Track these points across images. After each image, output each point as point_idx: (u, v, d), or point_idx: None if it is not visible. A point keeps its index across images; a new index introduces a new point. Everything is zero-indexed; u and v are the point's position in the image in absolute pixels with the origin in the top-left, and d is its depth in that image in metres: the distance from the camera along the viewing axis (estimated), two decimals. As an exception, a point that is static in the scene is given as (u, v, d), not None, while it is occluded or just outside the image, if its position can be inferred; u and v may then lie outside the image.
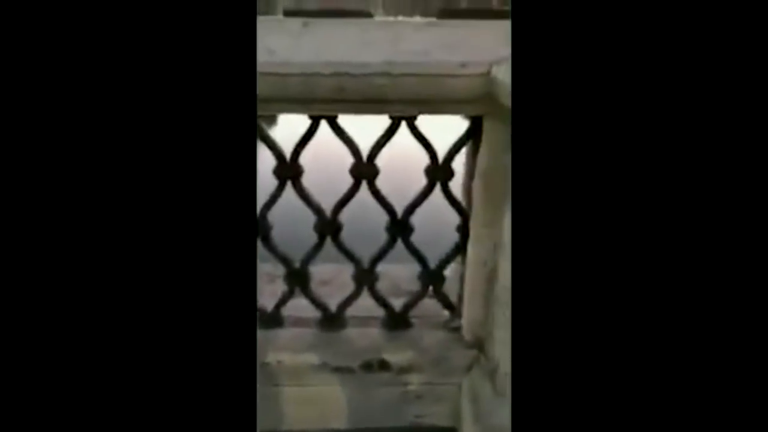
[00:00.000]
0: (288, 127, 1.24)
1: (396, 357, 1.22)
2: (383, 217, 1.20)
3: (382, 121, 1.11)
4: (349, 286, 1.34)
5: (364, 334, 1.28)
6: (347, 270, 1.45)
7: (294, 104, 0.93)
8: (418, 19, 1.09)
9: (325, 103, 0.93)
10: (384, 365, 1.21)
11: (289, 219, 1.27)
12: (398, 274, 1.56)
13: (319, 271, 1.37)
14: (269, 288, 1.72)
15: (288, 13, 0.94)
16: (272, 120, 1.07)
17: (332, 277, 1.63)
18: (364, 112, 0.97)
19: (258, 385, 1.17)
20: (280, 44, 0.89)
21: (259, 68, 0.89)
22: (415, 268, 1.34)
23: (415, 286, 1.50)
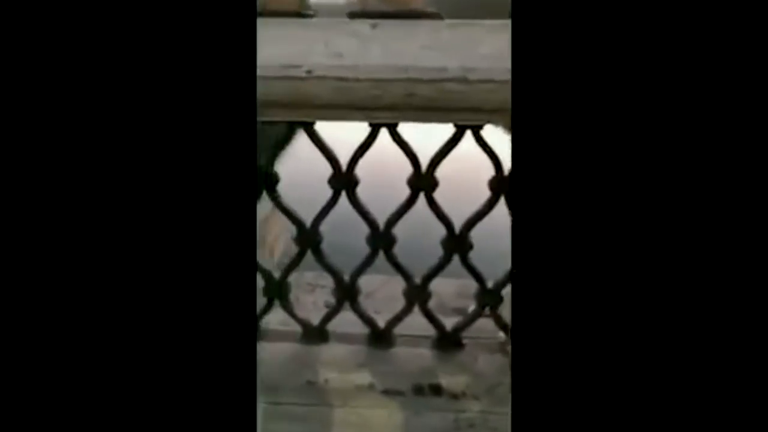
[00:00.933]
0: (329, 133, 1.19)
1: (448, 381, 1.15)
2: (440, 231, 1.13)
3: (443, 130, 1.04)
4: (396, 300, 1.28)
5: (415, 355, 1.21)
6: (394, 282, 1.39)
7: (358, 111, 0.87)
8: (492, 20, 1.00)
9: (391, 111, 0.87)
10: (436, 389, 1.14)
11: (339, 229, 1.22)
12: (448, 290, 1.49)
13: (362, 281, 1.31)
14: (310, 298, 1.67)
15: (353, 15, 0.88)
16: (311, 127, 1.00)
17: (376, 288, 1.57)
18: (429, 120, 0.91)
19: (304, 405, 1.12)
20: (348, 47, 0.84)
21: (326, 72, 0.84)
22: (468, 284, 1.26)
23: (466, 303, 1.42)
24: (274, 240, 2.26)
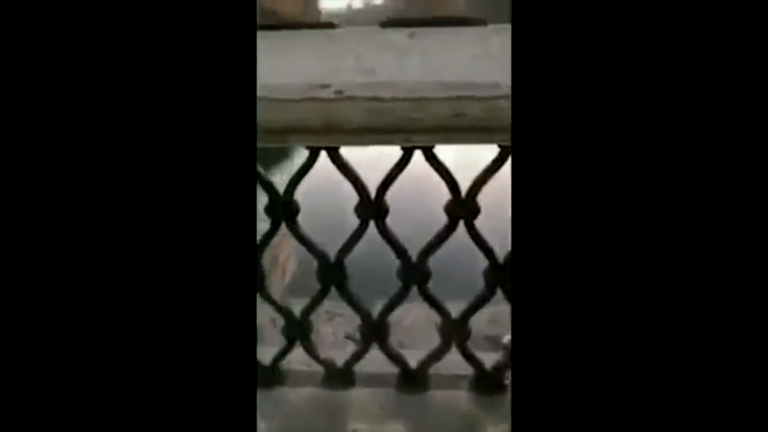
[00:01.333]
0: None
1: (493, 431, 1.02)
2: (479, 261, 1.01)
3: (481, 150, 0.93)
4: (423, 330, 1.16)
5: (452, 398, 1.08)
6: (419, 309, 1.27)
7: (395, 134, 0.75)
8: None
9: (433, 133, 0.75)
10: (479, 440, 1.01)
11: (368, 260, 1.10)
12: (480, 317, 1.37)
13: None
14: (329, 329, 1.55)
15: (388, 24, 0.76)
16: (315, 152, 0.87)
17: (401, 318, 1.45)
18: (475, 141, 0.78)
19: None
20: (382, 62, 0.72)
21: (356, 92, 0.72)
22: (501, 310, 1.14)
23: (500, 331, 1.30)
24: (286, 259, 2.14)
